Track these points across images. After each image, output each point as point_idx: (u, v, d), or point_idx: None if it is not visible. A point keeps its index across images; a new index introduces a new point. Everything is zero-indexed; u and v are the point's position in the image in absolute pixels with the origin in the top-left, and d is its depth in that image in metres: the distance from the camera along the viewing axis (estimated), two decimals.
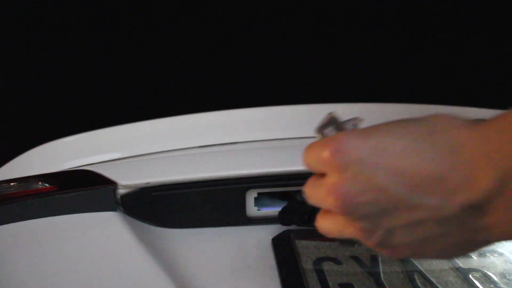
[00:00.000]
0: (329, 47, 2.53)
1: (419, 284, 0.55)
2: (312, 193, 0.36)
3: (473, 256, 0.60)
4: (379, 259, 0.60)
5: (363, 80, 2.48)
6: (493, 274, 0.57)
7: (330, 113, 0.37)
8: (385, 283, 0.56)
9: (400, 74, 2.48)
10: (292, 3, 2.61)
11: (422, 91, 2.38)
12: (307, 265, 0.59)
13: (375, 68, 2.50)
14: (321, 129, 0.37)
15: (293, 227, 0.70)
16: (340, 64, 2.49)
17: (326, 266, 0.59)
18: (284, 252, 0.63)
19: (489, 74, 2.46)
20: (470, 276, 0.56)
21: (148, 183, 0.70)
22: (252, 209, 0.73)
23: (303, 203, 0.71)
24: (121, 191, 0.70)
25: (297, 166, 0.71)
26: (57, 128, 1.46)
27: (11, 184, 0.74)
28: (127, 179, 0.71)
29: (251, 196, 0.72)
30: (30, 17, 2.44)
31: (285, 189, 0.72)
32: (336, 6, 2.54)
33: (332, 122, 0.36)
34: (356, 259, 0.60)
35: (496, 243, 0.63)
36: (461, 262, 0.59)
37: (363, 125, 0.36)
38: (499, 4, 2.50)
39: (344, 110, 1.18)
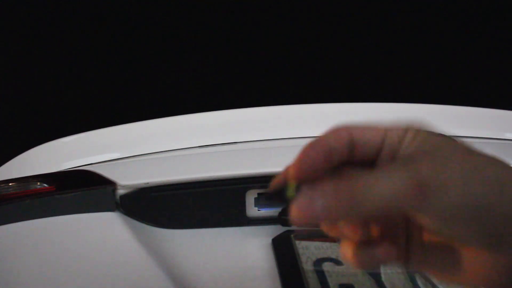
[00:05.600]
0: (329, 47, 2.53)
1: (420, 285, 0.55)
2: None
3: None
4: None
5: (363, 80, 2.48)
6: None
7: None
8: (385, 284, 0.55)
9: (400, 74, 2.48)
10: (292, 3, 2.60)
11: (422, 91, 2.38)
12: (308, 265, 0.59)
13: (375, 68, 2.50)
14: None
15: (293, 227, 0.69)
16: (340, 64, 2.48)
17: (327, 267, 0.58)
18: (284, 252, 0.62)
19: (489, 74, 2.46)
20: None
21: (148, 183, 0.70)
22: (252, 210, 0.73)
23: None
24: (120, 191, 0.69)
25: None
26: (57, 128, 1.46)
27: (10, 184, 0.74)
28: (127, 179, 0.70)
29: (251, 197, 0.72)
30: (30, 17, 2.44)
31: None
32: (336, 6, 2.54)
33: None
34: None
35: None
36: None
37: None
38: (499, 4, 2.50)
39: (344, 110, 1.17)
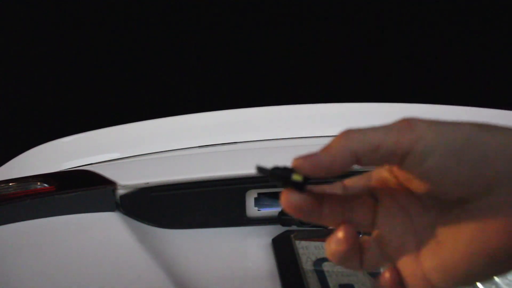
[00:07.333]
0: (329, 47, 2.53)
1: None
2: None
3: None
4: None
5: (363, 80, 2.48)
6: None
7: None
8: None
9: (400, 74, 2.48)
10: (291, 3, 2.60)
11: (422, 91, 2.38)
12: (308, 265, 0.59)
13: (375, 68, 2.50)
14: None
15: (293, 227, 0.69)
16: (340, 64, 2.48)
17: (327, 267, 0.58)
18: (284, 252, 0.62)
19: (489, 74, 2.46)
20: None
21: (148, 183, 0.70)
22: (252, 210, 0.73)
23: None
24: (120, 191, 0.69)
25: None
26: (57, 128, 1.46)
27: (10, 184, 0.74)
28: (127, 179, 0.71)
29: (251, 197, 0.72)
30: (30, 17, 2.44)
31: None
32: (336, 6, 2.54)
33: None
34: None
35: None
36: None
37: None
38: (499, 4, 2.50)
39: (344, 110, 1.17)
